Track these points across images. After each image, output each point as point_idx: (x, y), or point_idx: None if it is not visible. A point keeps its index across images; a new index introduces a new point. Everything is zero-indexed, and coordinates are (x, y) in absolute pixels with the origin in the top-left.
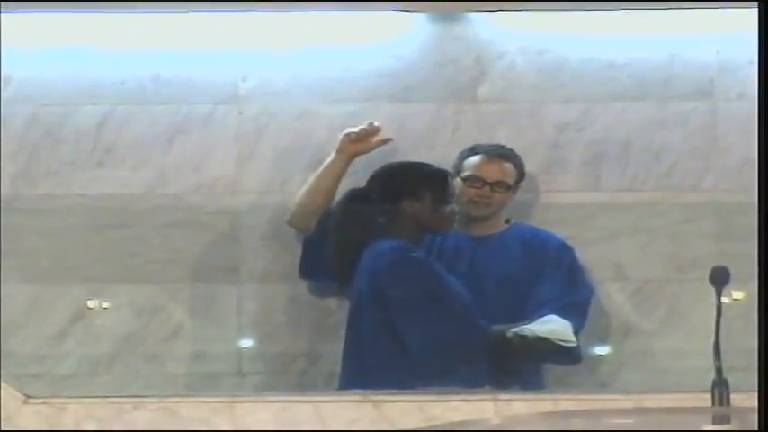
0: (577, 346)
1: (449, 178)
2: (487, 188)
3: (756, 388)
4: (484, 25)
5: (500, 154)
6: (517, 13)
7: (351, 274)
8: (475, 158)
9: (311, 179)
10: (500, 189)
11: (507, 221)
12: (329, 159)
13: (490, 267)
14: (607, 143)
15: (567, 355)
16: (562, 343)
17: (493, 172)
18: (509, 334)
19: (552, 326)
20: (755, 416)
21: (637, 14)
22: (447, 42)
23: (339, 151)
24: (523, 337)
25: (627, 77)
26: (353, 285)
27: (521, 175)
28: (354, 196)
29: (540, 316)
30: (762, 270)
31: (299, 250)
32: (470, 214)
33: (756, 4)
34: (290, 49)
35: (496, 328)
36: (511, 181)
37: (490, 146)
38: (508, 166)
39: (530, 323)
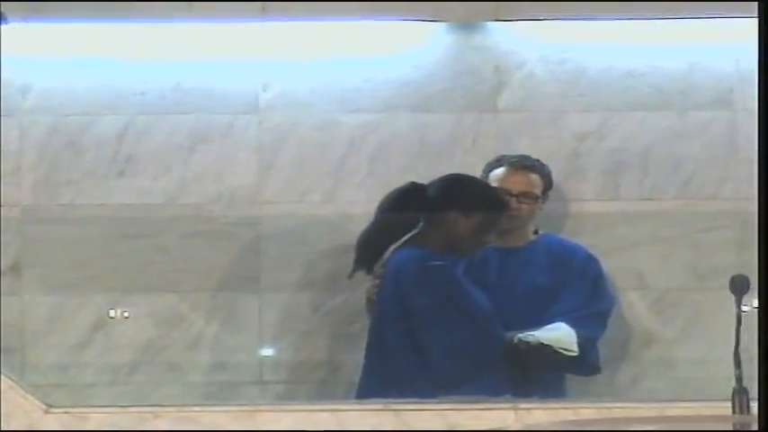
0: (596, 357)
1: (508, 208)
2: (514, 200)
3: None
4: (503, 35)
5: (525, 165)
6: (536, 22)
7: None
8: (500, 170)
9: None
10: (527, 200)
11: (536, 232)
12: None
13: (517, 279)
14: (627, 152)
15: (584, 366)
16: (562, 351)
17: (519, 183)
18: (515, 340)
19: (555, 333)
20: None
21: (656, 23)
22: (467, 52)
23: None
24: (527, 344)
25: (646, 86)
26: (377, 293)
27: (548, 184)
28: (409, 190)
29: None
30: (762, 272)
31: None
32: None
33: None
34: (311, 59)
35: (508, 335)
36: (538, 191)
37: (515, 157)
38: (534, 176)
39: (536, 330)
